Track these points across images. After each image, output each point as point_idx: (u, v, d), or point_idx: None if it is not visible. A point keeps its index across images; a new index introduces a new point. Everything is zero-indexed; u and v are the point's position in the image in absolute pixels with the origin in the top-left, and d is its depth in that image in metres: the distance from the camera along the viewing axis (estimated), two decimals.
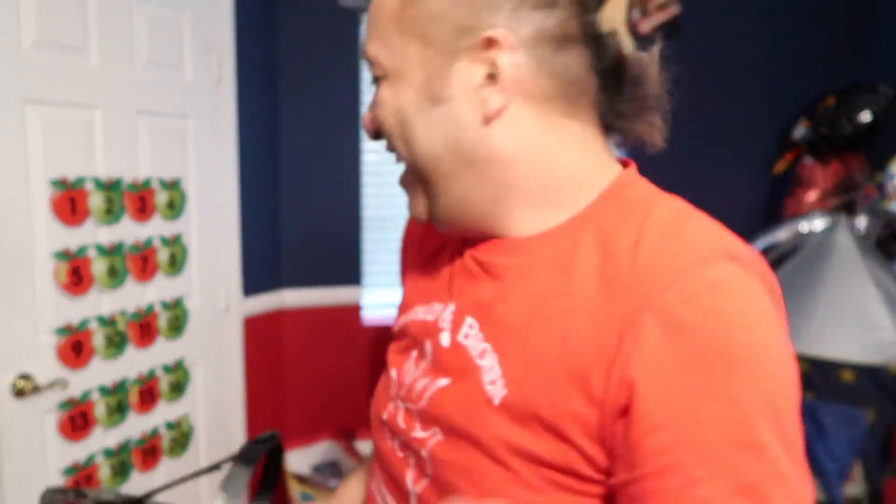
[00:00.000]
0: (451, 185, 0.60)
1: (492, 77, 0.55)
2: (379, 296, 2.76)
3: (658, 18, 2.97)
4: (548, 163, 0.58)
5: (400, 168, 0.67)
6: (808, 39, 3.29)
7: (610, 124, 0.62)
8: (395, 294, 2.78)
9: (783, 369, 0.49)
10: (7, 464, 1.46)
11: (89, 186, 1.63)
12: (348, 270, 2.66)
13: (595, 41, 0.56)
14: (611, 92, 0.59)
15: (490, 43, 0.54)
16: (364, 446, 2.44)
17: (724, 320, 0.48)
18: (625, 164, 0.68)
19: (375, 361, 2.73)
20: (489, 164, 0.58)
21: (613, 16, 0.55)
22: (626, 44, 0.57)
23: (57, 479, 1.56)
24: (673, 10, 3.00)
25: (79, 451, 1.62)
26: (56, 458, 1.56)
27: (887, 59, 3.25)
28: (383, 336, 2.74)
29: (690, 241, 0.53)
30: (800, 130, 3.12)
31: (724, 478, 0.45)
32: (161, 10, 1.84)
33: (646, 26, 2.95)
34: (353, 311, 2.68)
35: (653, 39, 0.58)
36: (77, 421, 1.60)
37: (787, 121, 3.27)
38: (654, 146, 0.67)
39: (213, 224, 2.09)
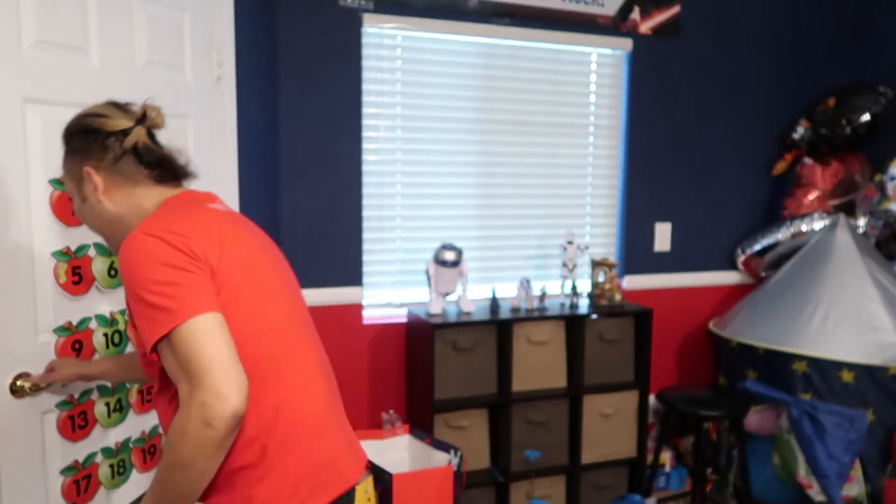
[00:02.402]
0: (109, 234, 1.24)
1: (94, 185, 1.20)
2: (379, 295, 2.76)
3: (658, 18, 2.98)
4: (134, 212, 1.20)
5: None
6: (808, 39, 3.29)
7: (166, 180, 1.24)
8: (395, 294, 2.78)
9: (145, 269, 1.04)
10: (6, 463, 1.45)
11: None
12: (348, 270, 2.66)
13: (131, 152, 1.20)
14: (152, 168, 1.22)
15: (87, 172, 1.19)
16: (364, 446, 2.44)
17: (124, 255, 1.06)
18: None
19: (375, 361, 2.74)
20: (112, 218, 1.21)
21: (132, 139, 1.19)
22: (148, 148, 1.22)
23: (56, 480, 1.56)
24: (673, 10, 3.00)
25: (78, 451, 1.61)
26: (56, 457, 1.56)
27: (887, 59, 3.25)
28: (383, 335, 2.74)
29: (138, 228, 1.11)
30: (800, 131, 3.13)
31: (137, 316, 1.05)
32: (161, 9, 1.84)
33: (645, 26, 2.95)
34: (353, 310, 2.68)
35: (158, 145, 1.25)
36: (77, 420, 1.60)
37: (787, 121, 3.27)
38: (194, 178, 1.30)
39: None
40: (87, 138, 1.20)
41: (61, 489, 1.58)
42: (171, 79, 1.89)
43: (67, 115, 1.57)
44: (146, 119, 1.22)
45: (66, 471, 1.58)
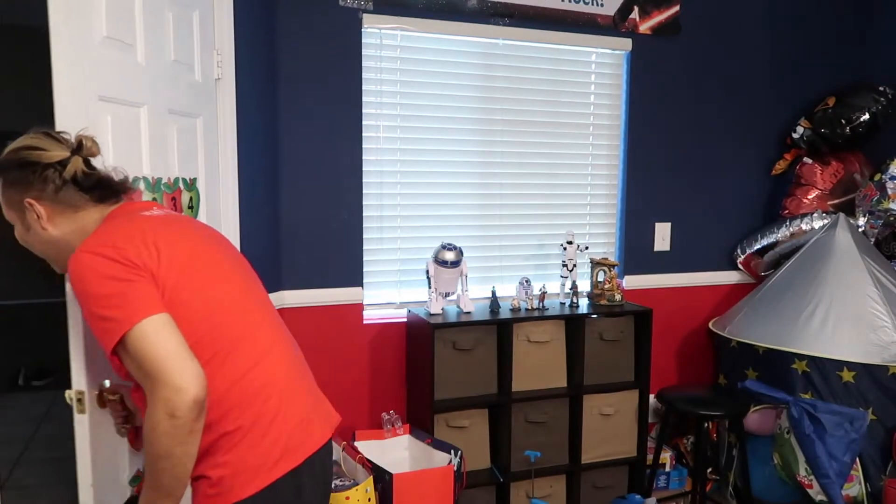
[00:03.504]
0: (56, 256, 1.30)
1: (37, 214, 1.24)
2: (379, 295, 2.76)
3: (657, 18, 2.98)
4: (78, 233, 1.26)
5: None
6: (808, 39, 3.29)
7: (106, 198, 1.29)
8: (396, 294, 2.78)
9: (90, 286, 1.11)
10: (97, 475, 1.43)
11: (141, 186, 1.61)
12: (348, 271, 2.66)
13: (71, 181, 1.24)
14: (91, 191, 1.27)
15: (29, 203, 1.24)
16: (364, 446, 2.44)
17: (72, 275, 1.13)
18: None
19: (375, 360, 2.74)
20: (58, 242, 1.27)
21: (71, 170, 1.23)
22: (87, 175, 1.26)
23: (125, 490, 1.54)
24: (673, 9, 3.00)
25: (139, 460, 1.57)
26: (125, 467, 1.54)
27: (887, 59, 3.25)
28: (383, 335, 2.74)
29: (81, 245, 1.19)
30: (799, 130, 3.13)
31: (94, 329, 1.13)
32: (179, 8, 1.82)
33: (645, 26, 2.95)
34: (353, 310, 2.68)
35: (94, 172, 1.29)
36: (139, 430, 1.57)
37: (786, 121, 3.27)
38: (132, 191, 1.39)
39: (215, 224, 2.09)
40: (25, 171, 1.23)
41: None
42: (188, 78, 1.89)
43: (125, 114, 1.54)
44: (82, 149, 1.26)
45: (133, 480, 1.58)
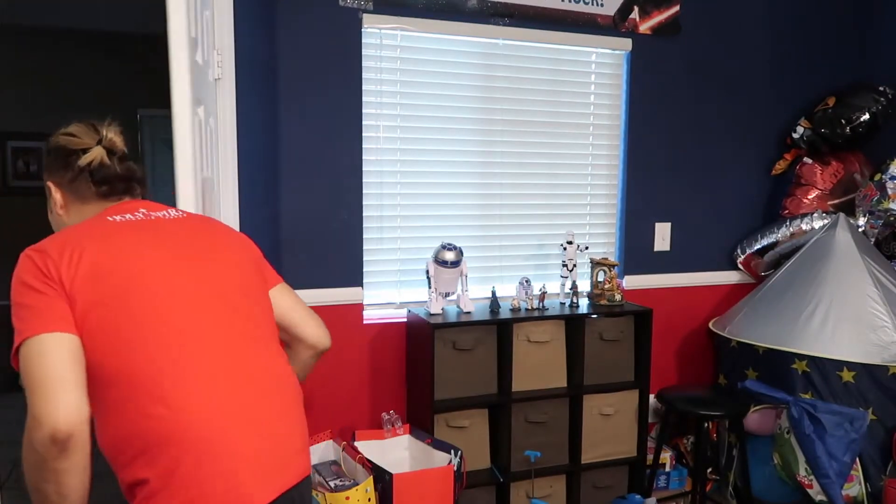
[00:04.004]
0: None
1: (55, 200, 1.28)
2: (379, 295, 2.76)
3: (657, 18, 2.98)
4: (82, 220, 1.23)
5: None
6: (808, 39, 3.29)
7: (111, 195, 1.28)
8: (396, 294, 2.78)
9: (13, 290, 1.07)
10: None
11: None
12: (348, 271, 2.66)
13: (87, 171, 1.25)
14: (100, 185, 1.27)
15: (48, 186, 1.28)
16: (364, 446, 2.44)
17: (15, 269, 1.10)
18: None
19: (375, 360, 2.74)
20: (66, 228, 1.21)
21: (87, 159, 1.24)
22: (102, 166, 1.26)
23: None
24: (673, 9, 3.00)
25: None
26: None
27: (887, 59, 3.25)
28: (383, 335, 2.74)
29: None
30: (799, 130, 3.13)
31: (14, 327, 1.05)
32: (203, 7, 1.84)
33: (645, 26, 2.95)
34: (353, 310, 2.68)
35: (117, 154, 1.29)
36: None
37: (786, 121, 3.27)
38: (145, 195, 1.35)
39: None
40: (54, 155, 1.27)
41: None
42: (205, 78, 1.90)
43: (188, 115, 1.58)
44: (104, 140, 1.27)
45: None
